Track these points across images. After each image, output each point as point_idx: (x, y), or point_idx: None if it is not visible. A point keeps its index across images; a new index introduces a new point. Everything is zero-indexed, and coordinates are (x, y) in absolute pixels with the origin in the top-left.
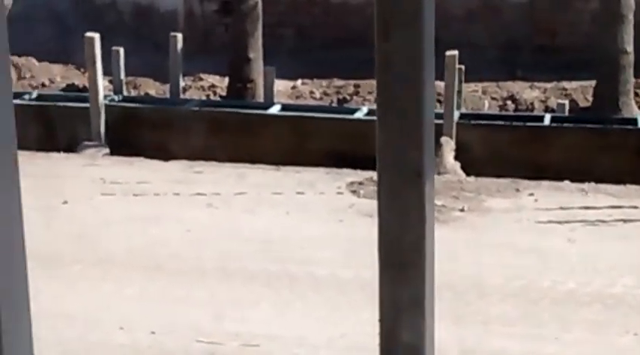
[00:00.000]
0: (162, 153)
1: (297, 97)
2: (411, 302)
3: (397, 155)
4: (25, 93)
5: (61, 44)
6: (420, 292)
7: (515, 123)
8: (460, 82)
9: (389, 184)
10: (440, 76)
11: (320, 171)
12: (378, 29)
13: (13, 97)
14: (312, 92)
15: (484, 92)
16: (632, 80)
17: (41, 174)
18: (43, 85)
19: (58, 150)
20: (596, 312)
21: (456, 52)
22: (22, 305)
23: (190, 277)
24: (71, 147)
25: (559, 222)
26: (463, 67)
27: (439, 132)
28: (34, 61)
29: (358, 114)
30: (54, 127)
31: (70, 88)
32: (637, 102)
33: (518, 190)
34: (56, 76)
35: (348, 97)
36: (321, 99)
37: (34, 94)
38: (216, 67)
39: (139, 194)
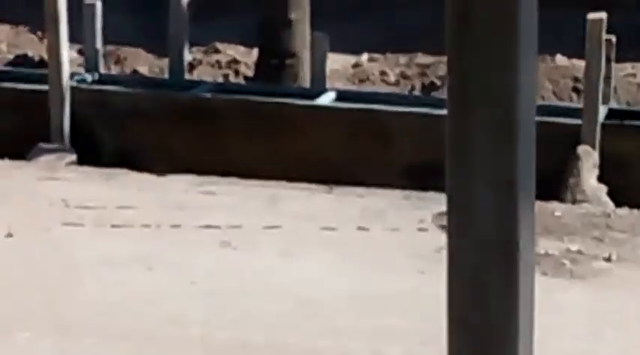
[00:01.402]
0: (157, 162)
1: (362, 81)
2: None
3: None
4: None
5: None
6: None
7: None
8: (609, 61)
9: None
10: (575, 52)
11: (394, 195)
12: None
13: None
14: (383, 73)
15: None
16: None
17: None
18: None
19: (1, 156)
20: None
21: (602, 15)
22: None
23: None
24: (20, 151)
25: None
26: (614, 38)
27: (576, 137)
28: None
29: None
30: None
31: (20, 60)
32: None
33: None
34: (0, 42)
35: (437, 82)
36: (397, 83)
37: None
38: (239, 32)
39: (120, 225)
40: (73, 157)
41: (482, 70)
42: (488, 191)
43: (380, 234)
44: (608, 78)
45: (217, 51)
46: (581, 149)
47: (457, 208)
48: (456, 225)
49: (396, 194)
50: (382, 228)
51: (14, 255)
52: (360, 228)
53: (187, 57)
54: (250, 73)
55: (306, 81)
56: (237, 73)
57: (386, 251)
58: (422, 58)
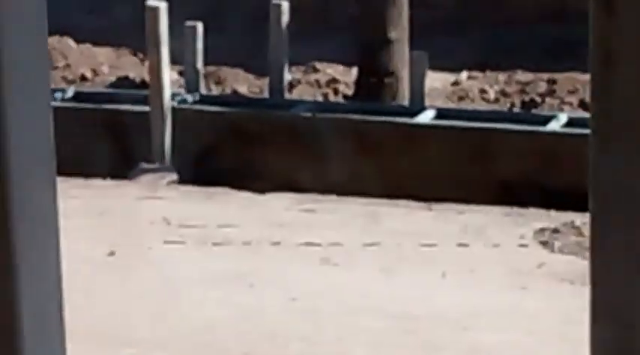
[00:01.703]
0: (257, 181)
1: (461, 98)
2: None
3: (626, 188)
4: (57, 91)
5: (110, 18)
6: None
7: None
8: None
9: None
10: None
11: (494, 212)
12: (597, 2)
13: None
14: (483, 91)
15: None
16: None
17: (78, 211)
18: (84, 78)
19: (103, 176)
20: None
21: None
22: None
23: None
24: (122, 170)
25: None
26: None
27: None
28: (70, 42)
29: (553, 125)
30: (98, 141)
31: (123, 82)
32: None
33: None
34: (102, 64)
35: (538, 99)
36: (497, 101)
37: (70, 92)
38: (338, 52)
39: (221, 243)
40: (174, 176)
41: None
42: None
43: (480, 251)
44: None
45: (316, 70)
46: None
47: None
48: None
49: (497, 210)
50: (483, 244)
51: (117, 273)
52: (461, 245)
53: (287, 76)
54: (349, 91)
55: (405, 99)
56: (336, 92)
57: (486, 267)
58: (521, 76)
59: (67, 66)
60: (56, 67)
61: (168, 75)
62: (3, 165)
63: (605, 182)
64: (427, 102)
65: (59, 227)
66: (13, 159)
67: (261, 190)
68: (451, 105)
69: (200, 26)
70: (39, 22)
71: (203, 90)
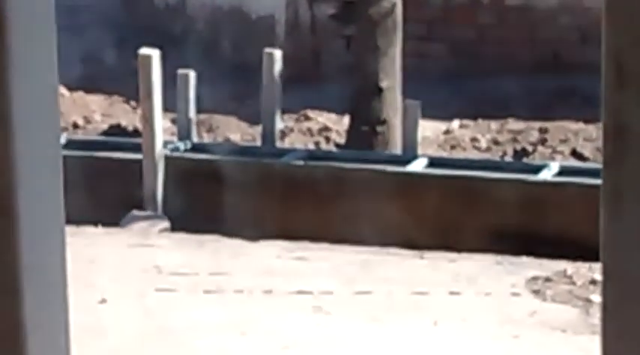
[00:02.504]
0: (249, 229)
1: (453, 147)
2: None
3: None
4: None
5: (102, 65)
6: None
7: None
8: None
9: (621, 292)
10: None
11: (486, 260)
12: (608, 74)
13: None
14: (474, 139)
15: None
16: None
17: (69, 258)
18: (75, 126)
19: (95, 224)
20: None
21: None
22: None
23: None
24: (114, 218)
25: None
26: None
27: None
28: (62, 90)
29: (545, 174)
30: (89, 188)
31: (115, 130)
32: None
33: None
34: (94, 112)
35: (529, 148)
36: (488, 150)
37: (62, 140)
38: (330, 100)
39: (213, 291)
40: (166, 224)
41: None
42: None
43: (472, 299)
44: None
45: (308, 118)
46: None
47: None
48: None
49: (488, 259)
50: (474, 292)
51: (108, 321)
52: (452, 293)
53: (279, 124)
54: (341, 140)
55: (397, 147)
56: (328, 140)
57: (478, 315)
58: (513, 124)
59: (60, 113)
60: None
61: (161, 123)
62: (14, 218)
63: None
64: (420, 151)
65: (67, 279)
66: (23, 210)
67: (253, 238)
68: (443, 153)
69: (192, 74)
70: (50, 73)
71: (195, 139)
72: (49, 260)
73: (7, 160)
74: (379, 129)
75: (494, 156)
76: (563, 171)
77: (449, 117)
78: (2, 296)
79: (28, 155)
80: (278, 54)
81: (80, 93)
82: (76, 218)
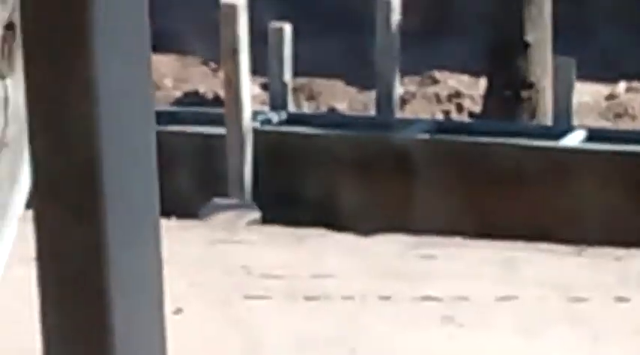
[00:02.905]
0: (361, 220)
1: (618, 116)
2: None
3: None
4: None
5: (174, 19)
6: None
7: None
8: None
9: None
10: None
11: None
12: None
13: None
14: None
15: None
16: None
17: None
18: None
19: (167, 214)
20: None
21: None
22: None
23: None
24: (191, 208)
25: None
26: None
27: None
28: None
29: None
30: (160, 172)
31: (191, 98)
32: None
33: None
34: (164, 76)
35: None
36: None
37: None
38: (462, 59)
39: (316, 297)
40: (256, 215)
41: None
42: None
43: None
44: None
45: (436, 81)
46: None
47: None
48: None
49: None
50: None
51: (184, 336)
52: (619, 299)
53: (398, 89)
54: (477, 108)
55: (547, 117)
56: (460, 108)
57: None
58: None
59: (153, 91)
60: None
61: (249, 89)
62: (101, 213)
63: None
64: (575, 121)
65: (162, 281)
66: (111, 205)
67: (366, 232)
68: (606, 124)
69: (288, 28)
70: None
71: (292, 108)
72: (141, 259)
73: (92, 146)
74: (524, 94)
75: None
76: None
77: (613, 79)
78: (90, 298)
79: (116, 135)
80: (396, 1)
81: None
82: None
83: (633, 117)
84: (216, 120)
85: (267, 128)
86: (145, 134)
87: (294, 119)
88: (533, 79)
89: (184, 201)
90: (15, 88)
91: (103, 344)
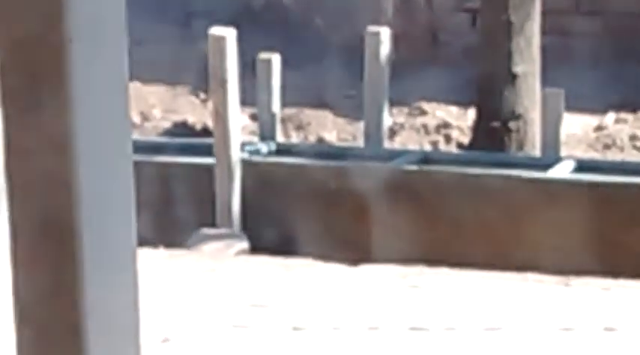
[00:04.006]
0: (349, 250)
1: (607, 147)
2: None
3: None
4: None
5: (163, 49)
6: None
7: None
8: None
9: None
10: None
11: None
12: None
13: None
14: (634, 137)
15: None
16: None
17: None
18: (131, 124)
19: (155, 245)
20: None
21: None
22: None
23: None
24: (179, 237)
25: None
26: None
27: None
28: None
29: None
30: (148, 201)
31: (179, 129)
32: None
33: None
34: (153, 107)
35: None
36: None
37: None
38: (451, 90)
39: (303, 327)
40: (245, 245)
41: None
42: None
43: (632, 340)
44: None
45: (424, 112)
46: None
47: None
48: None
49: None
50: (636, 331)
51: None
52: (608, 329)
53: (387, 120)
54: (465, 139)
55: (536, 148)
56: (448, 139)
57: None
58: None
59: (129, 112)
60: None
61: (237, 119)
62: (76, 240)
63: None
64: (564, 152)
65: (139, 319)
66: (87, 233)
67: (354, 261)
68: (594, 155)
69: (276, 59)
70: (119, 63)
71: (280, 138)
72: (118, 295)
73: (68, 171)
74: (512, 125)
75: None
76: None
77: (601, 110)
78: (64, 336)
79: (92, 162)
80: (385, 33)
81: (136, 84)
82: None
83: (621, 149)
84: (205, 151)
85: (256, 159)
86: (123, 169)
87: (283, 149)
88: (521, 110)
89: (173, 230)
90: None
91: None
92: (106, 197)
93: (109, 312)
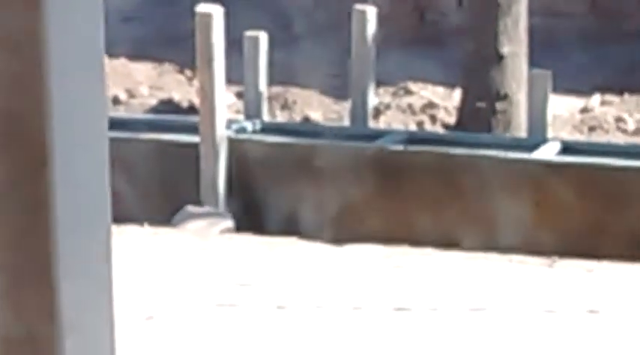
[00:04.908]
0: (333, 229)
1: (592, 129)
2: None
3: None
4: None
5: (150, 26)
6: None
7: None
8: None
9: None
10: None
11: (632, 271)
12: None
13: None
14: (620, 119)
15: None
16: None
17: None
18: (116, 101)
19: (140, 222)
20: None
21: None
22: None
23: None
24: (164, 215)
25: None
26: None
27: None
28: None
29: None
30: (133, 179)
31: (165, 106)
32: None
33: None
34: (140, 84)
35: None
36: (638, 132)
37: None
38: (437, 70)
39: (287, 306)
40: (229, 223)
41: None
42: None
43: (614, 322)
44: None
45: (410, 92)
46: None
47: None
48: None
49: (635, 269)
50: (616, 312)
51: (155, 342)
52: (591, 312)
53: (372, 100)
54: (451, 119)
55: (521, 129)
56: (434, 119)
57: (627, 346)
58: None
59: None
60: None
61: (223, 97)
62: (50, 209)
63: None
64: (550, 134)
65: (112, 276)
66: (61, 203)
67: (338, 241)
68: (580, 137)
69: (264, 37)
70: (94, 38)
71: (266, 117)
72: (91, 253)
73: (44, 146)
74: (499, 106)
75: None
76: None
77: (587, 92)
78: (35, 286)
79: (68, 138)
80: (371, 11)
81: (122, 61)
82: (117, 215)
83: (607, 130)
84: (190, 129)
85: (242, 137)
86: (98, 134)
87: (268, 128)
88: (507, 91)
89: (158, 208)
90: None
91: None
92: (81, 170)
93: (82, 260)
